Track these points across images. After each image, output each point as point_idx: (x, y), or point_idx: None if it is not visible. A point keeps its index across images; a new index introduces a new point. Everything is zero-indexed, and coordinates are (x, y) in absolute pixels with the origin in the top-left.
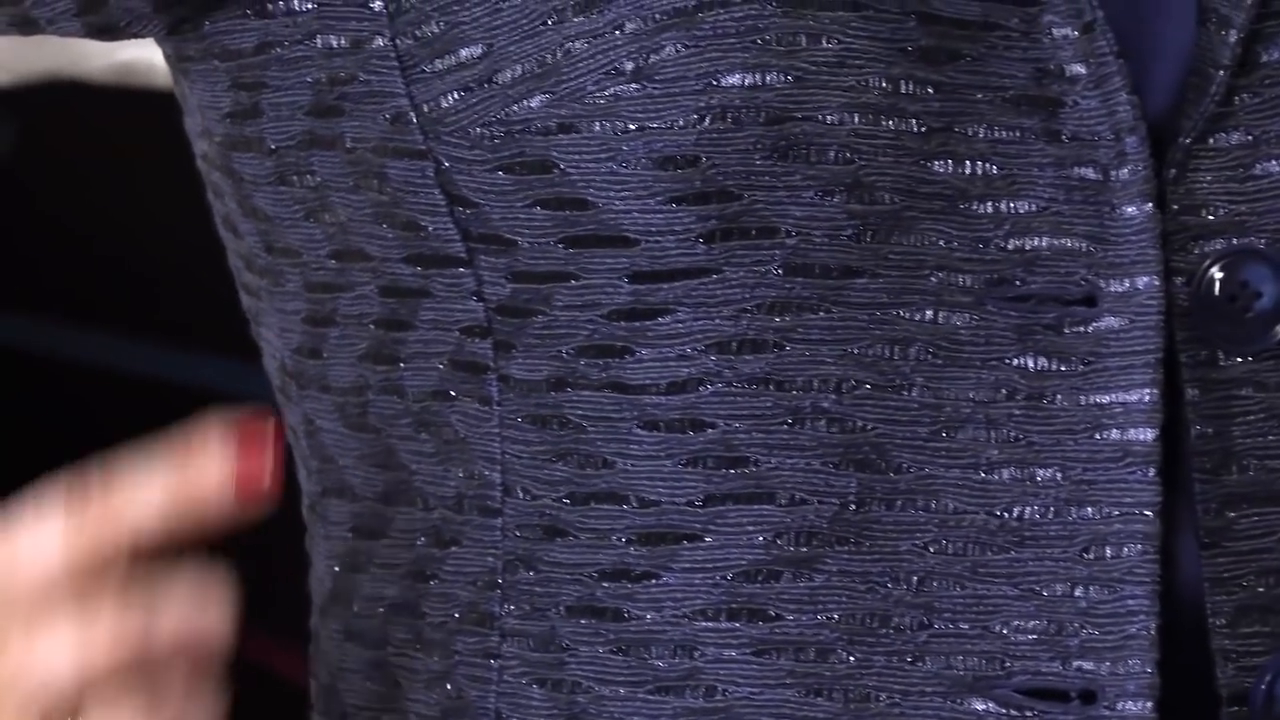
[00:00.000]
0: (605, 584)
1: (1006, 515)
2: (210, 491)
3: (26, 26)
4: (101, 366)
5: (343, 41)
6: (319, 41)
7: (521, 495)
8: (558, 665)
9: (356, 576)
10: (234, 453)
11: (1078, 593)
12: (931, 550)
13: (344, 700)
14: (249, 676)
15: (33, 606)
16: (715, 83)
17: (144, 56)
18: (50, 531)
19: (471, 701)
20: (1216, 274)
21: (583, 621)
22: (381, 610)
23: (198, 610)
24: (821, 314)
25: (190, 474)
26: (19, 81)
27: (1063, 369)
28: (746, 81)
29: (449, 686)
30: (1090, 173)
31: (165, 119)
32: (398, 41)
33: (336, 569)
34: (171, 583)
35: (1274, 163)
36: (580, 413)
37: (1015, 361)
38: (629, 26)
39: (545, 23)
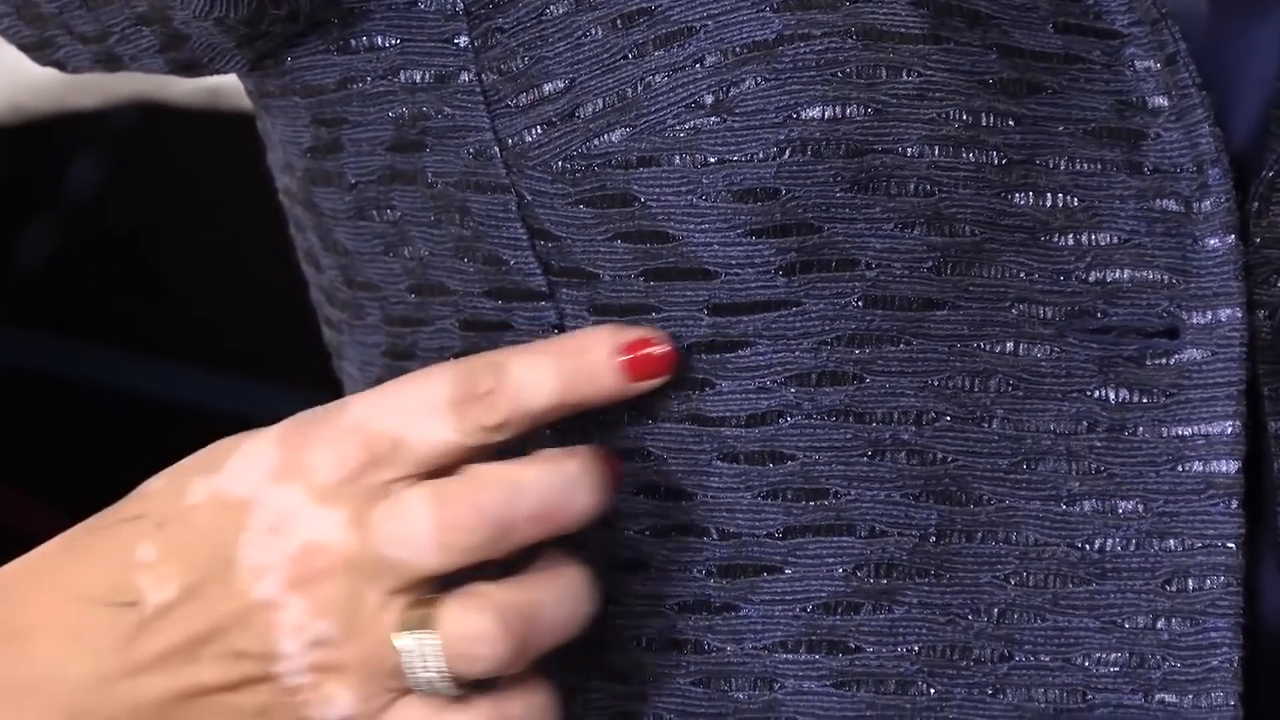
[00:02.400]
0: (686, 616)
1: (1088, 547)
2: (602, 371)
3: (111, 63)
4: (181, 399)
5: (427, 76)
6: (402, 77)
7: (603, 528)
8: (640, 698)
9: None
10: (624, 339)
11: (1160, 625)
12: (1012, 582)
13: None
14: None
15: (399, 480)
16: (795, 115)
17: (231, 80)
18: (441, 408)
19: None
20: None
21: (664, 654)
22: None
23: (562, 492)
24: (901, 346)
25: (582, 354)
26: (107, 104)
27: (1144, 401)
28: (827, 114)
29: None
30: (1172, 205)
31: (252, 144)
32: (483, 76)
33: None
34: (537, 461)
35: None
36: (661, 445)
37: (1096, 393)
38: (709, 60)
39: (625, 57)
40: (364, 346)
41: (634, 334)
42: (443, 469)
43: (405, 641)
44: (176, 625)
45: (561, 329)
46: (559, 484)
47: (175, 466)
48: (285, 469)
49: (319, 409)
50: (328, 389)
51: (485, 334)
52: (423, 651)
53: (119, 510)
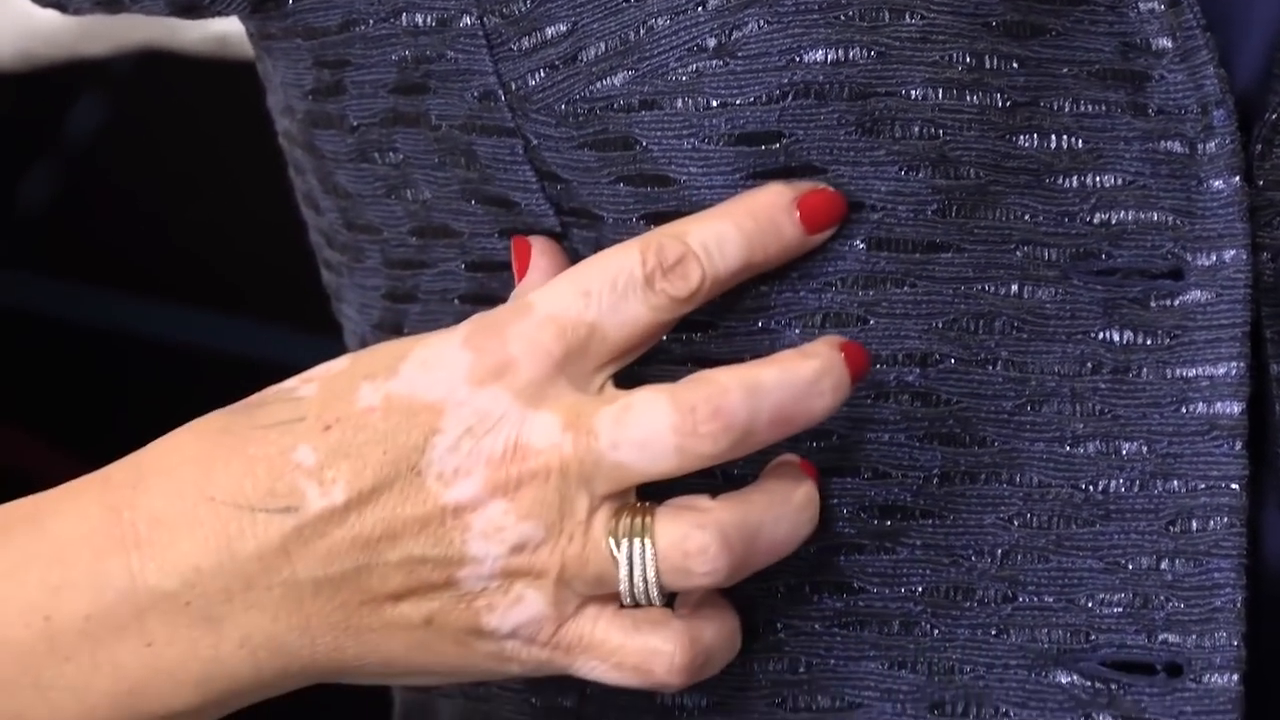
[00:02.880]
0: None
1: (1091, 489)
2: (784, 225)
3: (111, 5)
4: (179, 341)
5: (429, 20)
6: (404, 19)
7: None
8: None
9: None
10: (797, 191)
11: (1163, 566)
12: (1016, 524)
13: None
14: None
15: (599, 369)
16: (798, 59)
17: (239, 30)
18: (632, 286)
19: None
20: None
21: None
22: None
23: (803, 395)
24: (906, 288)
25: (760, 212)
26: (117, 52)
27: (1148, 342)
28: (830, 57)
29: None
30: (1177, 146)
31: (252, 87)
32: (485, 20)
33: None
34: (776, 362)
35: None
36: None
37: (1101, 335)
38: (711, 3)
39: (628, 0)
40: (363, 289)
41: (803, 186)
42: (635, 350)
43: (620, 549)
44: (342, 530)
45: None
46: (800, 386)
47: (324, 370)
48: (482, 371)
49: (495, 311)
50: (327, 332)
51: (495, 274)
52: (636, 560)
53: (261, 414)
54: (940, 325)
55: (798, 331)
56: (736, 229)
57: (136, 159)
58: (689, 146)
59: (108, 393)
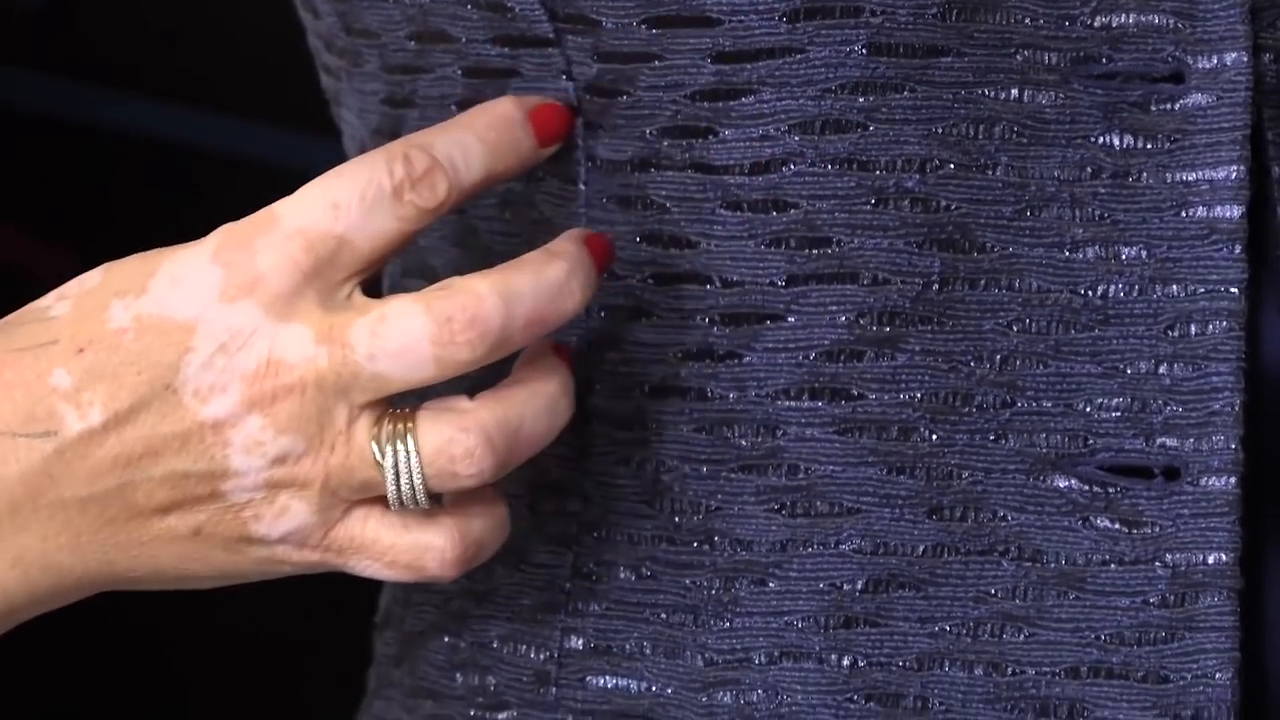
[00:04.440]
0: (689, 364)
1: (1090, 294)
2: (521, 138)
3: None
4: (180, 140)
5: None
6: None
7: (606, 276)
8: (641, 444)
9: None
10: (529, 105)
11: (1162, 370)
12: (1015, 329)
13: None
14: None
15: (347, 280)
16: None
17: None
18: (380, 198)
19: (557, 480)
20: None
21: (666, 401)
22: None
23: (554, 297)
24: (906, 93)
25: (499, 125)
26: None
27: (1149, 147)
28: None
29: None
30: None
31: None
32: None
33: None
34: (525, 267)
35: None
36: (664, 193)
37: (1101, 139)
38: None
39: None
40: (362, 94)
41: (533, 100)
42: (384, 260)
43: (385, 457)
44: (103, 451)
45: (570, 75)
46: (551, 289)
47: (77, 287)
48: (232, 286)
49: (243, 223)
50: (328, 134)
51: (491, 81)
52: (402, 468)
53: (16, 336)
54: (940, 130)
55: (797, 139)
56: (479, 141)
57: None
58: None
59: (106, 191)
